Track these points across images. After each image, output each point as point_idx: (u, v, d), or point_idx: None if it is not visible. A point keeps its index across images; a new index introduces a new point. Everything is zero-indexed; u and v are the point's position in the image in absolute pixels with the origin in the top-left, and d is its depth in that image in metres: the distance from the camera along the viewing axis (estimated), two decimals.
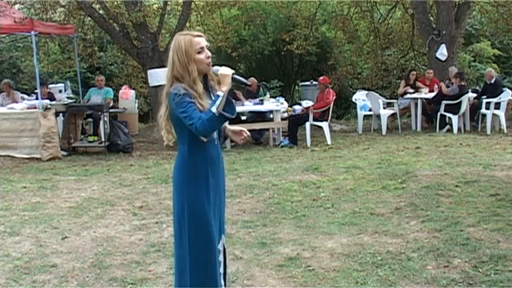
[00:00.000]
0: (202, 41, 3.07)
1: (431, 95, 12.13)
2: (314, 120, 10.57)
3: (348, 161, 8.57)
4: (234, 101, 3.00)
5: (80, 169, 8.81)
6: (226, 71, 3.01)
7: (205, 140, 3.05)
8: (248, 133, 3.28)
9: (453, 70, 12.31)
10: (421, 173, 7.23)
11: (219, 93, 2.95)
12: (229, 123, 3.39)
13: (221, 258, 3.19)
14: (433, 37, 13.22)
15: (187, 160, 3.09)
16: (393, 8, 15.78)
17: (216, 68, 3.06)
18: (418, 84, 12.75)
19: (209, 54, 3.07)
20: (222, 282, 3.19)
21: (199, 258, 3.11)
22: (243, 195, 6.63)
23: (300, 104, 11.79)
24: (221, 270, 3.19)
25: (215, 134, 3.14)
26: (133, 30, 12.72)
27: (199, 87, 3.03)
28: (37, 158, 9.71)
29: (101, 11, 12.71)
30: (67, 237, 5.21)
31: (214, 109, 2.90)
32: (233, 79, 3.03)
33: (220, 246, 3.18)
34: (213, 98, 3.06)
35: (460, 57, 15.54)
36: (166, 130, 3.10)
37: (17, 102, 10.90)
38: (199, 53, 3.04)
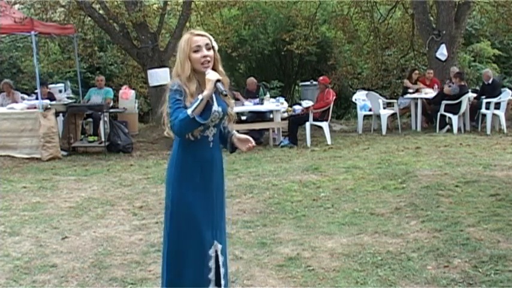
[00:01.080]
0: (201, 40, 3.05)
1: (431, 95, 12.13)
2: (314, 120, 10.57)
3: (348, 161, 8.57)
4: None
5: (80, 169, 8.80)
6: (210, 76, 3.00)
7: (192, 138, 3.06)
8: (253, 143, 3.24)
9: (454, 70, 12.31)
10: (421, 173, 7.23)
11: (199, 96, 2.96)
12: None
13: (211, 264, 3.14)
14: (433, 37, 13.22)
15: (175, 158, 3.12)
16: (393, 8, 15.78)
17: (207, 71, 3.04)
18: (419, 84, 12.76)
19: (206, 53, 3.04)
20: None
21: (177, 259, 3.09)
22: (243, 195, 6.63)
23: (300, 104, 11.79)
24: (211, 276, 3.14)
25: (211, 136, 3.12)
26: (133, 30, 12.73)
27: (192, 85, 3.03)
28: (37, 158, 9.71)
29: (101, 11, 12.72)
30: (67, 237, 5.21)
31: (189, 111, 2.92)
32: (215, 85, 3.01)
33: (211, 252, 3.13)
34: (214, 99, 3.07)
35: (460, 57, 15.54)
36: (166, 124, 3.11)
37: (17, 102, 10.90)
38: (195, 51, 3.04)
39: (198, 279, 3.11)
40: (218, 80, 3.01)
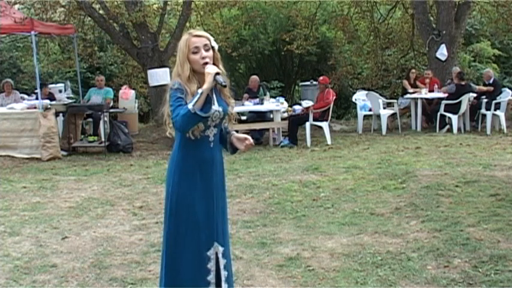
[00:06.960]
0: (199, 41, 3.05)
1: (431, 95, 12.15)
2: (314, 120, 10.57)
3: (348, 161, 8.57)
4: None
5: (80, 169, 8.80)
6: (210, 70, 3.01)
7: (192, 137, 3.05)
8: (252, 141, 3.22)
9: (456, 70, 12.31)
10: (421, 173, 7.23)
11: (199, 90, 2.97)
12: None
13: (211, 266, 3.10)
14: (433, 37, 13.22)
15: (176, 158, 3.12)
16: (393, 8, 15.78)
17: (207, 66, 3.04)
18: (418, 84, 12.77)
19: (205, 54, 3.04)
20: None
21: (174, 259, 3.08)
22: (243, 195, 6.63)
23: (300, 104, 11.79)
24: (210, 278, 3.11)
25: (211, 136, 3.11)
26: (133, 30, 12.73)
27: (193, 85, 3.03)
28: (37, 158, 9.70)
29: (101, 11, 12.72)
30: (67, 237, 5.21)
31: (190, 106, 2.92)
32: (214, 78, 3.01)
33: (211, 254, 3.10)
34: (215, 99, 3.07)
35: (460, 57, 15.54)
36: (168, 125, 3.12)
37: (17, 102, 10.89)
38: (194, 53, 3.04)
39: (196, 280, 3.09)
40: (217, 73, 3.01)
